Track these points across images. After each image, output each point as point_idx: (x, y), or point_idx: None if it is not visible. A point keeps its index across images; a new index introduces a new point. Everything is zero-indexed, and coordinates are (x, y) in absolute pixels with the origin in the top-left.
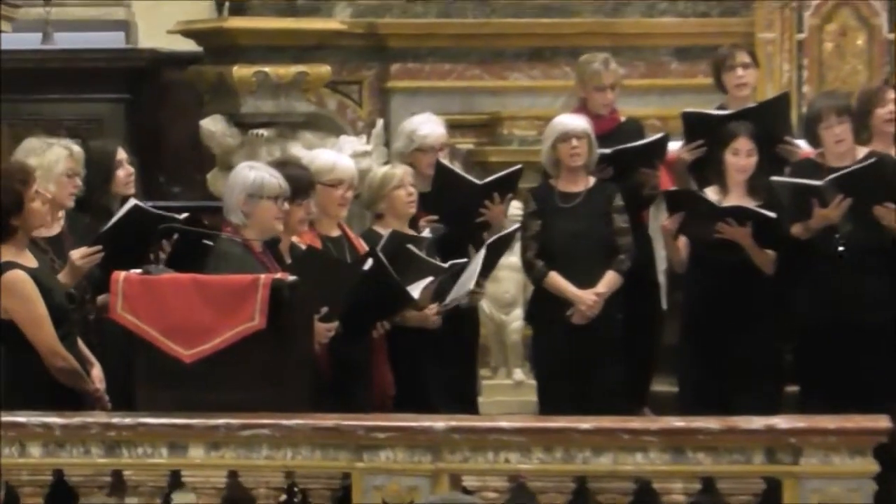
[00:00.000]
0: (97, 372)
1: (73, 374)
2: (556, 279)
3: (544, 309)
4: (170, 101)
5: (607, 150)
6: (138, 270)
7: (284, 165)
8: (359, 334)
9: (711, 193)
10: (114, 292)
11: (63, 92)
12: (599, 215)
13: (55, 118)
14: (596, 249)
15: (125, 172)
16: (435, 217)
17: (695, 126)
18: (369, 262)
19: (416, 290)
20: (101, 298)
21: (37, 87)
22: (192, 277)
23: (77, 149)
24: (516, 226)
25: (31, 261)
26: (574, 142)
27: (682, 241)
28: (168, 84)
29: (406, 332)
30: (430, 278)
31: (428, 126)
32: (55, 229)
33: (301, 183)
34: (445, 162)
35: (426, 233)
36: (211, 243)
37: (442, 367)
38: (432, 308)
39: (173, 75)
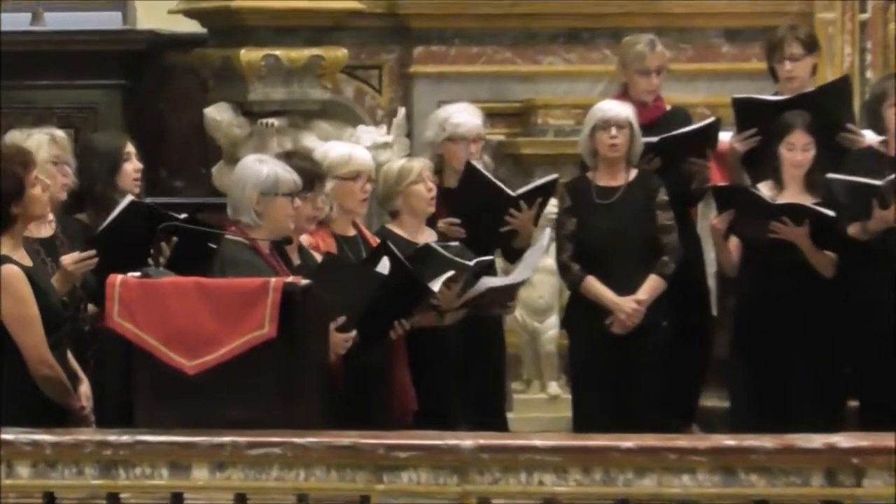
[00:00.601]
0: (85, 389)
1: (58, 387)
2: (594, 284)
3: (582, 316)
4: (171, 87)
5: (653, 139)
6: (136, 273)
7: (289, 158)
8: (375, 337)
9: (765, 189)
10: (110, 297)
11: (54, 78)
12: (641, 212)
13: (46, 106)
14: (637, 250)
15: (133, 167)
16: (456, 221)
17: (746, 113)
18: (387, 264)
19: (435, 284)
20: (92, 308)
21: (25, 72)
22: (196, 281)
23: (60, 133)
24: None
25: (26, 259)
26: (613, 130)
27: (733, 241)
28: (169, 69)
29: (427, 341)
30: (450, 272)
31: (463, 115)
32: (47, 231)
33: (306, 177)
34: (477, 165)
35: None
36: (214, 246)
37: (465, 379)
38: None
39: (175, 59)
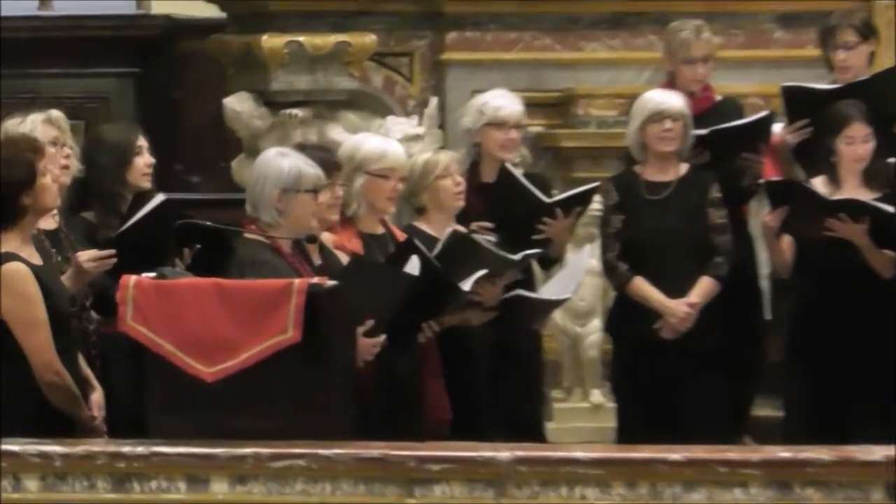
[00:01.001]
0: (97, 397)
1: (66, 394)
2: (642, 286)
3: (628, 320)
4: (188, 76)
5: (703, 131)
6: (151, 274)
7: (302, 150)
8: (404, 339)
9: (820, 185)
10: (123, 300)
11: (62, 66)
12: (692, 209)
13: (52, 96)
14: (688, 250)
15: (144, 161)
16: (489, 225)
17: (797, 103)
18: (416, 264)
19: (466, 284)
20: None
21: (32, 60)
22: (215, 282)
23: (56, 113)
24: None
25: (34, 257)
26: (668, 123)
27: (786, 240)
28: (186, 57)
29: (460, 348)
30: (482, 271)
31: (503, 99)
32: (51, 223)
33: (323, 165)
34: (511, 168)
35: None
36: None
37: (500, 388)
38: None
39: (192, 46)
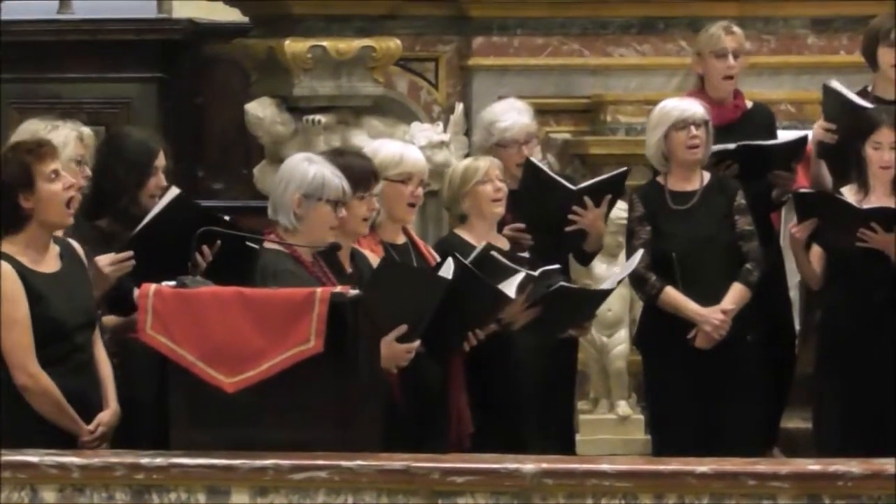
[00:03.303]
0: (106, 416)
1: (43, 400)
2: (675, 295)
3: (657, 330)
4: (210, 81)
5: (732, 146)
6: (172, 283)
7: (341, 155)
8: (448, 348)
9: (849, 193)
10: (143, 308)
11: (83, 70)
12: (720, 217)
13: (73, 101)
14: (717, 258)
15: (157, 183)
16: (521, 225)
17: (833, 106)
18: (451, 267)
19: (510, 288)
20: (107, 319)
21: (53, 64)
22: (237, 291)
23: (88, 132)
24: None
25: (42, 265)
26: (693, 130)
27: (816, 251)
28: (208, 61)
29: (485, 356)
30: (522, 273)
31: (509, 116)
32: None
33: (361, 174)
34: (536, 161)
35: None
36: (255, 248)
37: (531, 397)
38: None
39: (214, 50)
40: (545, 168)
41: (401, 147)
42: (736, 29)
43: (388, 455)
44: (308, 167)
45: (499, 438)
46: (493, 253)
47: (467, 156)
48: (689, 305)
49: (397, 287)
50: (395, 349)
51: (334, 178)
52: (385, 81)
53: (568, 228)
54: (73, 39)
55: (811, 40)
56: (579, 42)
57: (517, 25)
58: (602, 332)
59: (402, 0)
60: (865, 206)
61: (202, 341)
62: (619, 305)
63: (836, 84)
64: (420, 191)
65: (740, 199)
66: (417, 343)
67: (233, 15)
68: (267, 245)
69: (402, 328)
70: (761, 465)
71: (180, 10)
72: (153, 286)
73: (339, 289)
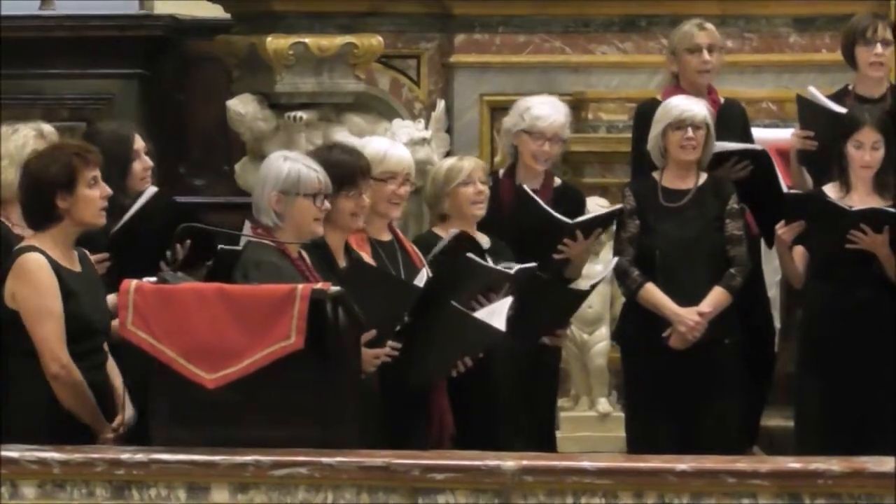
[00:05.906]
0: (127, 418)
1: (72, 390)
2: (653, 292)
3: (637, 328)
4: (192, 77)
5: (757, 147)
6: (152, 279)
7: (330, 150)
8: (440, 376)
9: (831, 191)
10: (123, 305)
11: (65, 66)
12: (711, 219)
13: (56, 97)
14: (703, 260)
15: (142, 165)
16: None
17: (808, 113)
18: (424, 277)
19: (499, 320)
20: None
21: (34, 60)
22: (218, 287)
23: (48, 128)
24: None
25: (74, 264)
26: (690, 131)
27: (799, 251)
28: (190, 57)
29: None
30: (509, 300)
31: (545, 109)
32: None
33: (349, 170)
34: (527, 190)
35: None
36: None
37: (510, 405)
38: None
39: (196, 47)
40: (538, 199)
41: (386, 145)
42: (708, 25)
43: (369, 452)
44: (282, 164)
45: (479, 441)
46: (470, 255)
47: (448, 153)
48: (667, 304)
49: (366, 290)
50: (364, 354)
51: (310, 172)
52: (367, 78)
53: (556, 257)
54: (55, 36)
55: (793, 39)
56: (561, 40)
57: (499, 23)
58: (583, 330)
59: None
60: (846, 204)
61: (183, 337)
62: (600, 303)
63: (810, 92)
64: (404, 189)
65: (733, 203)
66: (387, 349)
67: (215, 11)
68: (253, 240)
69: (371, 333)
70: (741, 463)
71: (162, 7)
72: (133, 282)
73: (319, 285)
